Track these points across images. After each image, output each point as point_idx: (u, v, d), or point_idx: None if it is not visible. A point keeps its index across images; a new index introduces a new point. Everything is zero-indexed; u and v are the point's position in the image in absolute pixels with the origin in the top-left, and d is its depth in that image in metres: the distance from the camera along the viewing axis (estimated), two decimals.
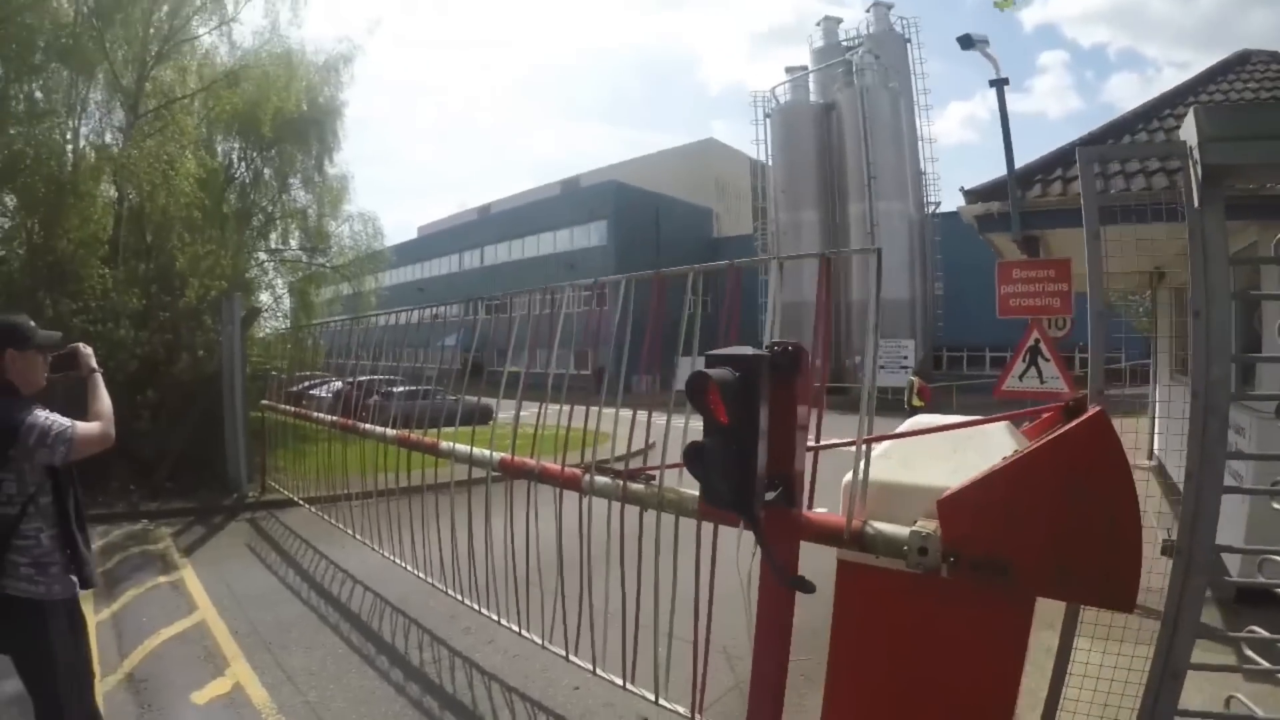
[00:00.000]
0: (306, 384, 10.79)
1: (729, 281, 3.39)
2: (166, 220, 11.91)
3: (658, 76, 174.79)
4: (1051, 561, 2.22)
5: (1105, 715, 3.33)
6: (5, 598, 2.75)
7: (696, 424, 3.43)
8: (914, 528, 2.40)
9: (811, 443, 2.76)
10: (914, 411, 13.65)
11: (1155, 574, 2.52)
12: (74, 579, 2.91)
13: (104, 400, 3.06)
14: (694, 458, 2.25)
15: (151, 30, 12.40)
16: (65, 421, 2.81)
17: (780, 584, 2.50)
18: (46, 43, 10.61)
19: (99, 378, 3.14)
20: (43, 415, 2.78)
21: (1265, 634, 2.81)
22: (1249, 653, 2.91)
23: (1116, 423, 2.28)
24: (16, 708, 4.25)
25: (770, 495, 2.44)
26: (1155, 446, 10.00)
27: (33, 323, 3.05)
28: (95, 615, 5.32)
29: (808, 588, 2.41)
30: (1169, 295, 9.94)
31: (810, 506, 2.73)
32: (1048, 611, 2.51)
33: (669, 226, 39.77)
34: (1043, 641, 3.09)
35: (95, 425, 2.93)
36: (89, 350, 3.22)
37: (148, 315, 10.72)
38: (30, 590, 2.76)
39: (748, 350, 2.39)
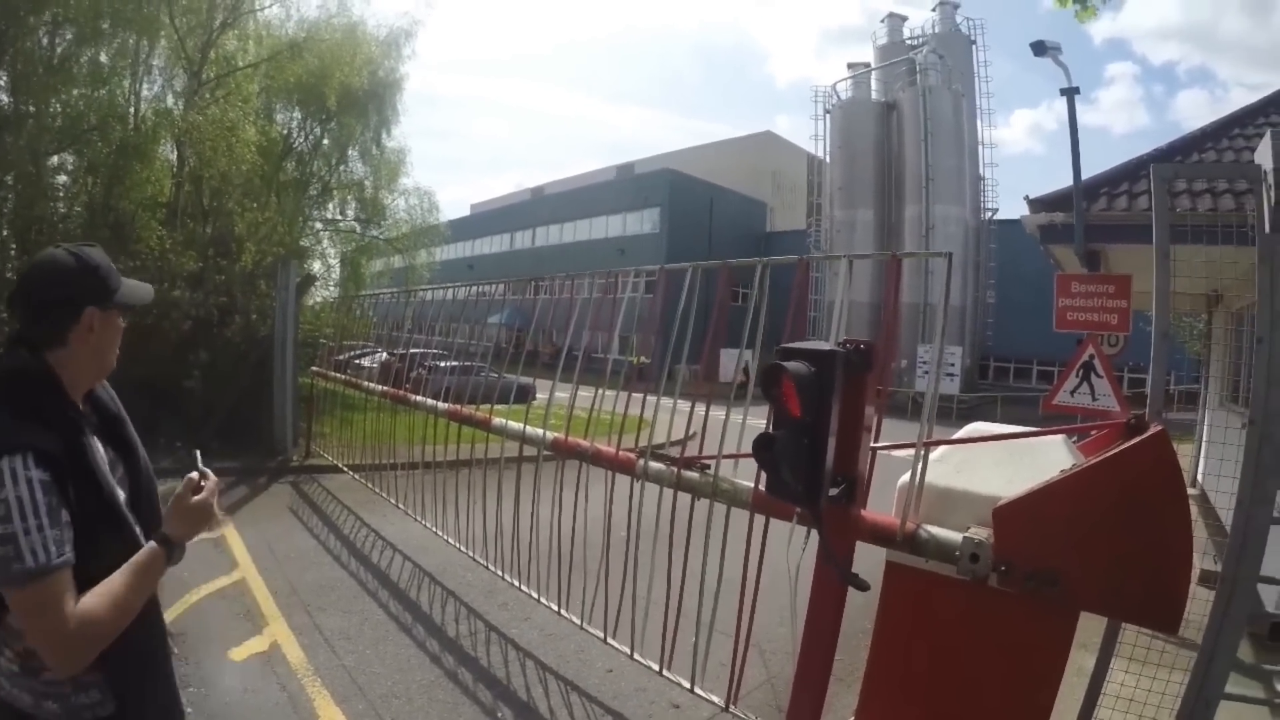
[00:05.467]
0: (353, 353, 10.96)
1: (797, 276, 3.36)
2: (226, 185, 12.18)
3: (720, 67, 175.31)
4: (1103, 577, 2.20)
5: None
6: None
7: (739, 418, 3.45)
8: (967, 534, 2.39)
9: (873, 443, 2.76)
10: None
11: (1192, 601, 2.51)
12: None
13: (118, 589, 1.52)
14: (764, 448, 2.23)
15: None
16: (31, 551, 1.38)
17: (838, 580, 2.51)
18: (114, 8, 10.79)
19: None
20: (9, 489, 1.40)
21: None
22: None
23: None
24: None
25: (833, 491, 2.45)
26: (1198, 473, 9.85)
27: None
28: None
29: (862, 585, 2.42)
30: (1225, 319, 9.73)
31: (864, 507, 2.73)
32: (1079, 633, 2.50)
33: (722, 217, 39.49)
34: (1073, 662, 3.08)
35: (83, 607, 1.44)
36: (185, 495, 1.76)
37: (203, 277, 10.92)
38: None
39: (823, 345, 2.38)
